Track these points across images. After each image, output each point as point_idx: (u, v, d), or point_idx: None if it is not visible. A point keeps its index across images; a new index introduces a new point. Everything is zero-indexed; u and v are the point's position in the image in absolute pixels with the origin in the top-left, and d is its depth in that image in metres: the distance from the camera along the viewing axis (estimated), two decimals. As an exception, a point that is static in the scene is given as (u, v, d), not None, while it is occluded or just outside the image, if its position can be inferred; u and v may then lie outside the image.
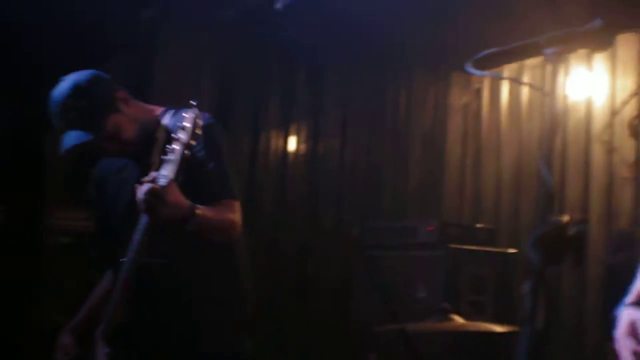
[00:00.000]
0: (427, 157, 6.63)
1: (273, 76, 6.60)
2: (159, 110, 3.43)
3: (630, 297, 2.64)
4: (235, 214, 3.21)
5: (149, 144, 3.26)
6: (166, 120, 3.35)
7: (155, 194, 2.86)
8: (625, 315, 2.51)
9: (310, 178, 6.71)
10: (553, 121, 1.83)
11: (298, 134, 6.77)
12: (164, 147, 2.98)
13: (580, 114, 5.77)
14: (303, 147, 6.75)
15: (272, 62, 6.46)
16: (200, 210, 3.02)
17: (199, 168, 3.14)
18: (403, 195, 6.59)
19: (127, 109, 3.31)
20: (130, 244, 3.05)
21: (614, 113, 5.61)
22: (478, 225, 5.81)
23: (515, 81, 5.86)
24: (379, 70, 6.65)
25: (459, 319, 4.37)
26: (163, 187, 2.87)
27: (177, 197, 2.93)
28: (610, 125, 5.62)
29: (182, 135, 2.92)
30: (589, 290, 5.42)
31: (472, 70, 2.17)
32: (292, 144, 6.73)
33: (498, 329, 4.39)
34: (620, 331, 2.48)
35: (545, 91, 5.34)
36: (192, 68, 6.29)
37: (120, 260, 3.09)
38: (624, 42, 5.58)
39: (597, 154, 5.65)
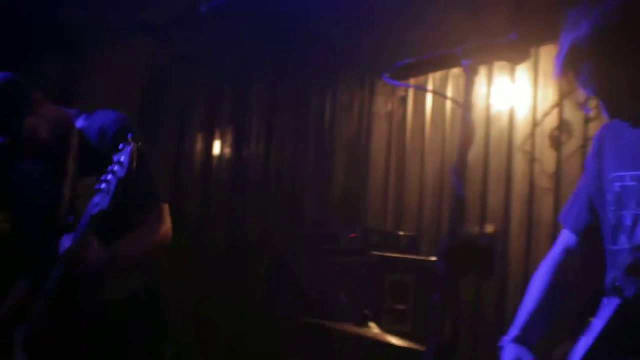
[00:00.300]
0: (351, 164, 6.66)
1: (199, 79, 6.55)
2: (73, 113, 3.39)
3: (514, 329, 2.69)
4: (164, 221, 3.22)
5: (63, 148, 3.22)
6: (80, 123, 3.32)
7: (73, 263, 2.87)
8: (507, 354, 2.58)
9: (234, 182, 6.68)
10: (466, 131, 1.84)
11: (223, 138, 6.73)
12: (79, 153, 2.96)
13: (503, 124, 5.84)
14: (228, 151, 6.72)
15: (197, 66, 6.41)
16: (122, 250, 3.05)
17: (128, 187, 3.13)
18: (327, 201, 6.60)
19: (42, 111, 3.27)
20: (57, 252, 3.03)
21: (535, 124, 5.69)
22: (401, 233, 5.84)
23: (422, 89, 5.92)
24: (304, 76, 6.65)
25: (376, 328, 4.38)
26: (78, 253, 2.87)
27: (94, 254, 2.94)
28: (531, 135, 5.70)
29: (118, 169, 2.89)
30: (509, 299, 5.48)
31: (388, 79, 2.18)
32: (217, 147, 6.69)
33: (415, 347, 4.36)
34: None
35: (459, 102, 5.40)
36: (117, 71, 6.21)
37: (44, 266, 3.06)
38: (546, 54, 5.66)
39: (519, 163, 5.73)
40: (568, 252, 2.74)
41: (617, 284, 2.32)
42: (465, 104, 1.94)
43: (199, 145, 6.68)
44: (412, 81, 5.88)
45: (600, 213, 2.61)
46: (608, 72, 2.23)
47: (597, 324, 2.34)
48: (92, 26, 5.79)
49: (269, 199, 6.61)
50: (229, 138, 6.76)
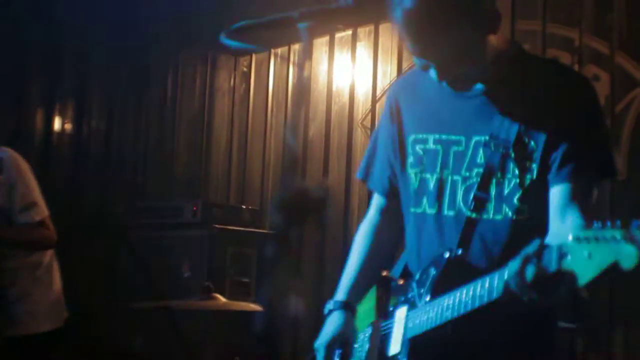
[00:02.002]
0: (194, 140, 6.64)
1: (37, 53, 6.38)
2: None
3: (339, 294, 2.72)
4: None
5: None
6: None
7: None
8: (335, 321, 2.63)
9: (75, 158, 6.55)
10: (300, 89, 1.87)
11: (63, 114, 6.58)
12: None
13: (344, 99, 5.94)
14: (68, 126, 6.58)
15: (36, 39, 6.23)
16: None
17: None
18: (170, 177, 6.57)
19: None
20: None
21: (375, 100, 5.81)
22: (243, 207, 5.87)
23: (262, 49, 5.96)
24: (145, 51, 6.58)
25: (221, 298, 4.42)
26: None
27: None
28: (371, 111, 5.82)
29: None
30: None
31: (226, 41, 2.19)
32: (57, 123, 6.54)
33: (259, 308, 4.45)
34: (324, 340, 2.59)
35: (294, 62, 5.46)
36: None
37: None
38: (385, 31, 5.79)
39: (360, 138, 5.84)
40: (381, 212, 2.77)
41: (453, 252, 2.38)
42: (301, 65, 1.98)
43: (38, 121, 6.52)
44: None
45: (399, 174, 2.63)
46: (436, 37, 2.29)
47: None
48: None
49: (111, 175, 6.51)
50: (69, 114, 6.61)
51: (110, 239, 5.99)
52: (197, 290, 4.51)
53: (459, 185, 2.45)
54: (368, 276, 2.67)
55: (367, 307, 2.68)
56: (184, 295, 4.73)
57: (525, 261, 2.01)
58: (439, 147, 2.49)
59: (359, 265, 2.74)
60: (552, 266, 1.94)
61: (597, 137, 2.39)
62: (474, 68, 2.40)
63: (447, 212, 2.47)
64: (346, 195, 5.79)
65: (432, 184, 2.50)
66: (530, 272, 1.99)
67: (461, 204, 2.44)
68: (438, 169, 2.48)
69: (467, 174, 2.44)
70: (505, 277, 2.08)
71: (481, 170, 2.41)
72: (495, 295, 2.12)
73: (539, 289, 2.00)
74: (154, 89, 6.73)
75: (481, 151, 2.42)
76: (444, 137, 2.49)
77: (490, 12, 2.36)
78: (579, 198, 2.32)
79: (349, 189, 5.80)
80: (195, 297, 4.47)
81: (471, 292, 2.19)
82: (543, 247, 1.99)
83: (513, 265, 2.05)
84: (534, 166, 2.36)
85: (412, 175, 2.55)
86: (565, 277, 1.91)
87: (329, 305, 2.69)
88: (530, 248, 2.02)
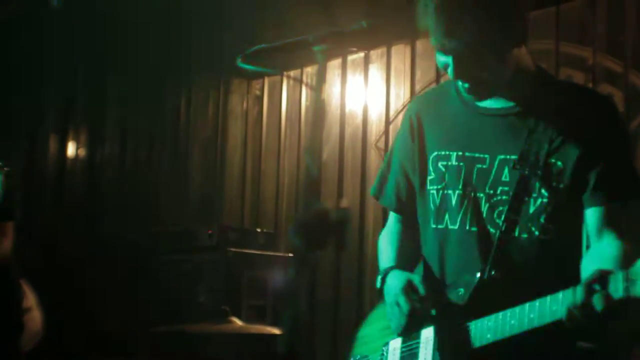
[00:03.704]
0: (207, 163, 6.65)
1: (52, 78, 6.41)
2: None
3: (387, 263, 2.71)
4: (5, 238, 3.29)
5: None
6: None
7: None
8: (398, 275, 2.59)
9: (90, 184, 6.57)
10: (318, 112, 1.88)
11: (77, 139, 6.61)
12: None
13: (357, 122, 5.95)
14: (82, 152, 6.60)
15: (50, 63, 6.26)
16: None
17: None
18: (184, 201, 6.57)
19: None
20: None
21: (388, 121, 5.81)
22: (258, 230, 5.86)
23: (276, 73, 5.98)
24: (159, 75, 6.60)
25: (238, 322, 4.41)
26: None
27: None
28: (385, 132, 5.82)
29: None
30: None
31: (244, 64, 2.20)
32: (71, 149, 6.57)
33: (277, 331, 4.44)
34: (397, 289, 2.54)
35: (312, 86, 5.49)
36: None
37: None
38: (397, 53, 5.80)
39: (373, 160, 5.84)
40: (399, 222, 2.80)
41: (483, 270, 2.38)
42: (317, 87, 1.99)
43: (52, 146, 6.55)
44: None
45: (417, 191, 2.64)
46: (465, 16, 2.28)
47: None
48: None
49: (125, 200, 6.52)
50: (83, 139, 6.64)
51: (126, 264, 5.99)
52: (214, 314, 4.50)
53: (483, 202, 2.46)
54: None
55: (379, 326, 2.68)
56: (201, 319, 4.71)
57: (590, 290, 2.01)
58: (462, 163, 2.51)
59: (393, 253, 2.75)
60: (619, 293, 1.95)
61: (627, 157, 2.43)
62: (494, 75, 2.41)
63: (471, 227, 2.47)
64: (361, 217, 5.79)
65: (454, 200, 2.51)
66: (598, 301, 1.99)
67: (486, 220, 2.45)
68: (461, 186, 2.49)
69: (492, 191, 2.45)
70: (561, 301, 2.08)
71: (507, 188, 2.42)
72: (548, 319, 2.13)
73: (607, 316, 2.01)
74: (167, 113, 6.74)
75: (506, 170, 2.43)
76: (467, 154, 2.50)
77: (522, 21, 2.38)
78: (615, 219, 2.35)
79: (364, 211, 5.80)
80: (211, 321, 4.46)
81: (517, 315, 2.20)
82: (607, 274, 1.99)
83: (575, 292, 2.05)
84: (562, 187, 2.37)
85: (434, 192, 2.57)
86: (631, 304, 1.91)
87: (379, 277, 2.67)
88: (592, 275, 2.03)
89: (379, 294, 2.67)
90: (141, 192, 6.64)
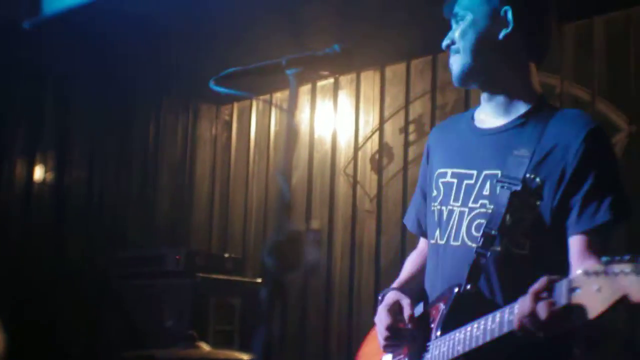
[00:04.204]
0: (176, 188, 6.64)
1: (18, 103, 6.36)
2: None
3: (394, 284, 2.80)
4: None
5: None
6: None
7: None
8: (392, 294, 2.66)
9: (56, 208, 6.51)
10: (290, 135, 1.89)
11: (44, 163, 6.56)
12: None
13: (326, 148, 5.97)
14: (50, 176, 6.55)
15: (17, 89, 6.22)
16: None
17: None
18: (152, 225, 6.54)
19: None
20: None
21: (357, 148, 5.83)
22: (226, 255, 5.85)
23: (248, 96, 6.01)
24: (128, 100, 6.58)
25: (205, 347, 4.39)
26: None
27: None
28: (353, 159, 5.84)
29: None
30: (334, 317, 5.59)
31: (216, 87, 2.20)
32: (38, 173, 6.51)
33: (244, 357, 4.43)
34: (383, 306, 2.63)
35: (283, 108, 5.51)
36: None
37: None
38: (367, 79, 5.83)
39: (342, 186, 5.86)
40: (422, 245, 2.90)
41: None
42: (289, 109, 1.99)
43: (19, 170, 6.49)
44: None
45: (428, 210, 2.72)
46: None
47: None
48: None
49: (92, 224, 6.48)
50: (50, 163, 6.59)
51: (93, 288, 5.94)
52: (181, 338, 4.48)
53: (465, 216, 2.51)
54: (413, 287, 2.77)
55: (377, 343, 2.71)
56: (168, 344, 4.69)
57: (536, 298, 2.03)
58: (454, 180, 2.59)
59: (410, 274, 2.86)
60: (562, 300, 1.96)
61: (611, 181, 2.44)
62: (502, 77, 2.55)
63: (453, 242, 2.53)
64: (329, 243, 5.79)
65: (445, 216, 2.58)
66: (542, 309, 2.01)
67: (464, 235, 2.50)
68: (451, 201, 2.57)
69: (473, 205, 2.50)
70: (516, 311, 2.10)
71: (486, 202, 2.47)
72: (506, 329, 2.14)
73: (552, 324, 2.01)
74: (135, 138, 6.72)
75: (488, 184, 2.48)
76: (459, 170, 2.59)
77: (543, 39, 2.56)
78: (597, 245, 2.37)
79: (332, 237, 5.80)
80: (179, 345, 4.44)
81: (482, 326, 2.22)
82: (552, 281, 2.00)
83: (524, 302, 2.07)
84: (540, 204, 2.39)
85: (433, 209, 2.65)
86: (574, 311, 1.91)
87: (379, 295, 2.76)
88: (538, 284, 2.04)
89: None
90: (109, 216, 6.59)
